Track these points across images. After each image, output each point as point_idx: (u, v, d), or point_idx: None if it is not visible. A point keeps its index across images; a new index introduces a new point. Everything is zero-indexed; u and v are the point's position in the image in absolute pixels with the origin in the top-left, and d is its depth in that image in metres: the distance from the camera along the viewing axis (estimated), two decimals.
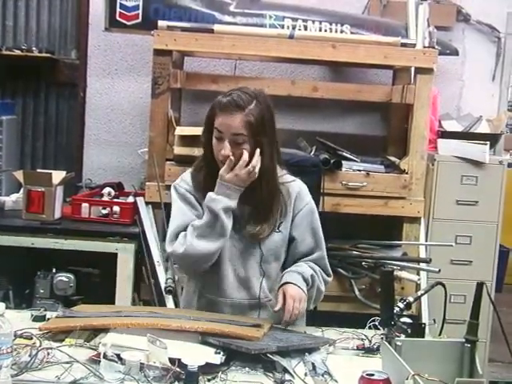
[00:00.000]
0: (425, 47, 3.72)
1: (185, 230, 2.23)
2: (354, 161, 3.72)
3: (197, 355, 1.78)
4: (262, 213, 2.27)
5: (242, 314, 2.28)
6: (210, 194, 2.19)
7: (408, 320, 2.05)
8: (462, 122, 4.12)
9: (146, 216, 3.57)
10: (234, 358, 1.88)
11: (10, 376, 1.56)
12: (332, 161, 3.56)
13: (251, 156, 2.18)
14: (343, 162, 3.64)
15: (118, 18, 3.78)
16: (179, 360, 1.72)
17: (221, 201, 2.18)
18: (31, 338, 1.89)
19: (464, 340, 1.73)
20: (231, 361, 1.86)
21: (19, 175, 3.65)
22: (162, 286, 3.38)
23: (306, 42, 3.56)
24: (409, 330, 1.96)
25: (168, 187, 3.34)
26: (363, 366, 1.68)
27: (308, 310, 2.42)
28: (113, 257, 3.50)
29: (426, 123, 3.62)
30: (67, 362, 1.76)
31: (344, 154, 3.74)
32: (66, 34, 4.38)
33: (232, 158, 2.17)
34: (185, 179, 2.35)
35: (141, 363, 1.73)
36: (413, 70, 3.69)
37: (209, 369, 1.76)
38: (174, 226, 2.28)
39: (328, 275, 2.40)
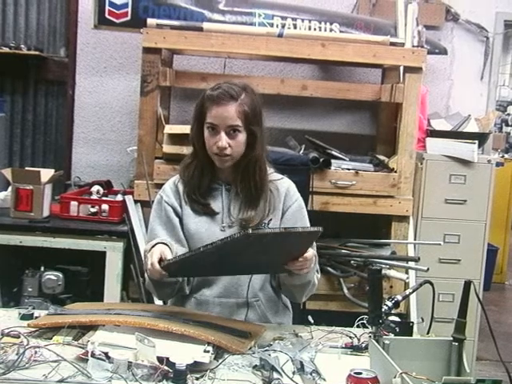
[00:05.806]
0: (414, 46, 3.73)
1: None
2: (343, 159, 3.72)
3: (185, 354, 1.78)
4: (251, 200, 2.28)
5: (229, 314, 2.27)
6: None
7: (396, 318, 2.06)
8: (451, 121, 4.13)
9: (135, 214, 3.56)
10: (223, 357, 1.88)
11: None
12: (321, 159, 3.56)
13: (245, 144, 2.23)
14: (332, 160, 3.64)
15: (107, 15, 3.77)
16: (167, 358, 1.71)
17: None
18: (19, 337, 1.87)
19: (452, 338, 1.73)
20: (220, 359, 1.86)
21: (7, 173, 3.63)
22: None
23: (296, 40, 3.55)
24: (397, 329, 1.96)
25: (157, 186, 3.35)
26: (351, 364, 1.69)
27: (297, 308, 2.42)
28: (101, 255, 3.50)
29: (415, 122, 3.63)
30: (55, 361, 1.75)
31: (333, 152, 3.74)
32: (54, 31, 4.38)
33: (229, 148, 2.19)
34: (166, 190, 2.35)
35: (129, 362, 1.72)
36: (402, 68, 3.70)
37: (197, 367, 1.75)
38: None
39: (316, 271, 2.40)
